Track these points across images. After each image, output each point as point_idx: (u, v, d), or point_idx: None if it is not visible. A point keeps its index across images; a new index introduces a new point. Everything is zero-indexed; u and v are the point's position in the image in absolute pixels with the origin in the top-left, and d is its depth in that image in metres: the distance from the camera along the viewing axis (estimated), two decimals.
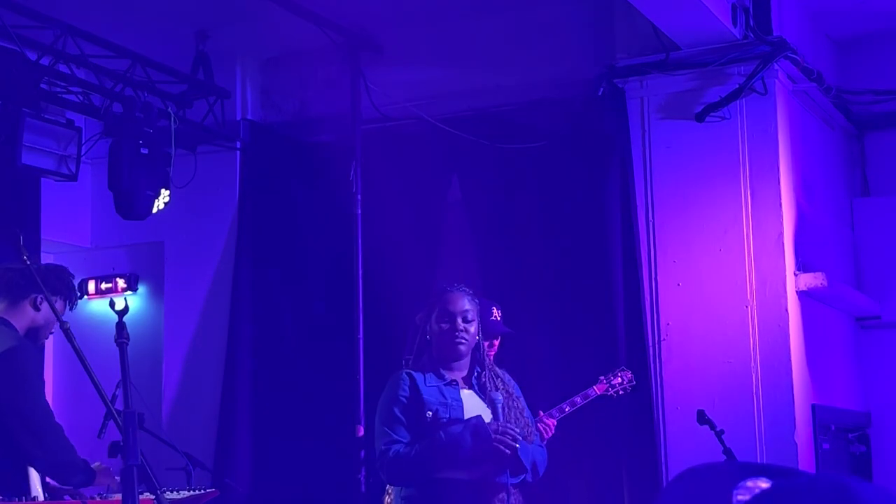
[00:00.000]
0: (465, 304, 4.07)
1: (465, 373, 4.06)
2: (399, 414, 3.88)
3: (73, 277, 4.55)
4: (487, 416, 4.01)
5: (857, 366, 7.18)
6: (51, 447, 4.12)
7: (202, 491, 4.43)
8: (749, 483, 1.14)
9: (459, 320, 4.03)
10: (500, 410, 4.02)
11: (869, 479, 7.01)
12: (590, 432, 6.27)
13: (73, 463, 4.18)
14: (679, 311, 6.29)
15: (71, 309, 4.48)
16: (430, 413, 3.88)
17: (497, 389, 4.11)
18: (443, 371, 4.00)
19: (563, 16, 6.84)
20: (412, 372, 3.96)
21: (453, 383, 4.02)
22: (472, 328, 4.06)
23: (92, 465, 4.28)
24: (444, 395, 3.95)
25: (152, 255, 7.65)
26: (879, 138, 7.44)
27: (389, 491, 4.24)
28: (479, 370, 4.10)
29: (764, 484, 1.12)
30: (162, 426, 6.79)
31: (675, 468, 6.08)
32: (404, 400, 3.92)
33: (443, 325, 4.02)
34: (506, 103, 6.91)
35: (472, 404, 4.01)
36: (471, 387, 4.06)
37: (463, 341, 4.02)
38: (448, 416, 3.90)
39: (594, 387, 5.23)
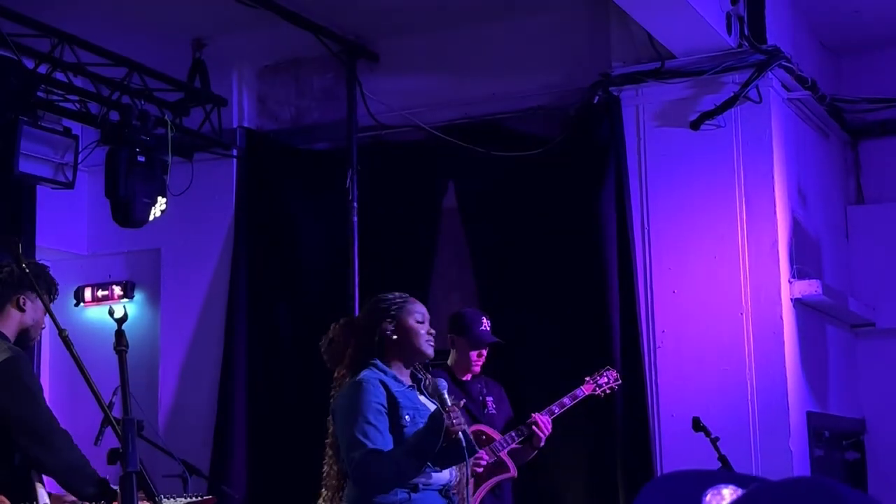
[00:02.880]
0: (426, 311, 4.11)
1: (409, 380, 4.04)
2: (374, 421, 3.81)
3: (49, 268, 4.52)
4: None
5: (851, 373, 7.20)
6: (60, 451, 4.10)
7: (199, 498, 4.43)
8: (718, 489, 1.17)
9: (427, 324, 4.05)
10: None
11: (863, 485, 7.03)
12: (585, 439, 6.28)
13: (81, 470, 4.12)
14: (674, 319, 6.31)
15: (52, 300, 4.46)
16: (408, 417, 3.86)
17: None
18: (398, 377, 3.98)
19: (558, 24, 6.87)
20: (380, 377, 3.90)
21: (411, 388, 4.00)
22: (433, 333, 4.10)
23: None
24: (411, 400, 3.93)
25: (149, 263, 7.65)
26: (873, 146, 7.47)
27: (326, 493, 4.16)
28: (420, 376, 4.07)
29: (728, 490, 1.16)
30: (158, 433, 6.79)
31: None
32: (379, 406, 3.82)
33: (419, 326, 4.02)
34: (501, 111, 6.93)
35: (433, 408, 4.00)
36: (420, 392, 4.04)
37: (433, 343, 4.04)
38: (423, 420, 3.88)
39: (581, 387, 5.25)
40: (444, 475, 3.93)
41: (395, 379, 3.93)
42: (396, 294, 4.10)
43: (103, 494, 4.08)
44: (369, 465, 3.78)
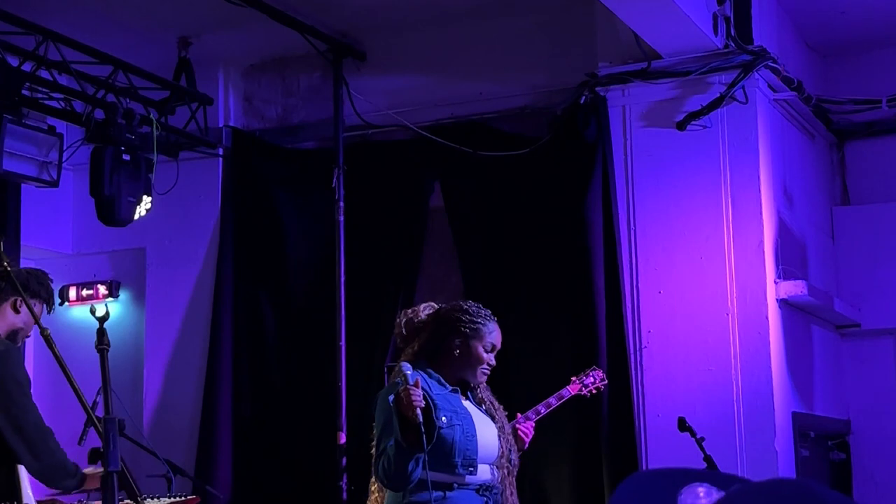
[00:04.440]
0: (501, 340, 4.15)
1: (458, 385, 4.08)
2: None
3: (52, 281, 4.55)
4: (491, 428, 4.04)
5: (836, 374, 7.22)
6: (41, 451, 4.12)
7: (183, 498, 4.43)
8: (694, 487, 1.17)
9: (494, 354, 4.11)
10: (498, 424, 4.06)
11: (849, 486, 7.04)
12: (571, 439, 6.29)
13: (62, 466, 4.18)
14: (660, 319, 6.31)
15: (49, 312, 4.49)
16: (445, 419, 3.88)
17: (492, 403, 4.15)
18: (443, 380, 4.01)
19: (545, 24, 6.87)
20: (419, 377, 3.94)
21: (455, 391, 4.04)
22: (494, 363, 4.15)
23: (84, 470, 4.26)
24: (451, 403, 3.95)
25: (134, 262, 7.63)
26: (859, 147, 7.49)
27: (374, 489, 4.19)
28: (472, 384, 4.13)
29: (702, 488, 1.16)
30: (143, 433, 6.77)
31: None
32: None
33: (483, 354, 4.07)
34: (488, 111, 6.93)
35: (476, 414, 4.03)
36: (466, 398, 4.08)
37: (488, 374, 4.11)
38: (461, 423, 3.91)
39: (567, 387, 5.24)
40: (483, 475, 3.94)
41: (439, 382, 3.98)
42: (482, 312, 4.15)
43: (80, 482, 4.17)
44: (378, 462, 3.86)
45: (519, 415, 5.09)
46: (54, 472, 4.18)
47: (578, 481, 6.34)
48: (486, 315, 4.13)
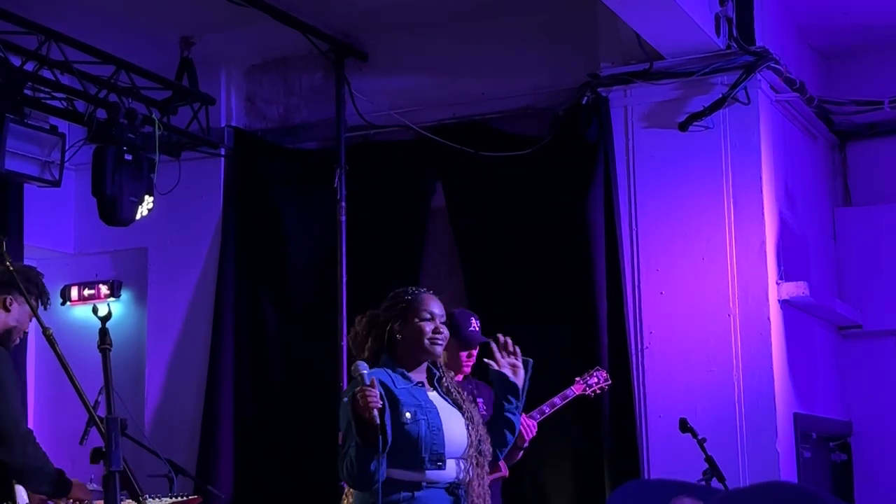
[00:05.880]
0: (441, 307, 4.07)
1: (423, 377, 4.03)
2: None
3: (43, 276, 4.51)
4: (458, 419, 3.97)
5: (838, 375, 7.22)
6: (20, 452, 4.09)
7: (185, 498, 4.43)
8: (680, 500, 1.17)
9: (438, 321, 4.02)
10: (466, 414, 3.99)
11: (850, 487, 7.04)
12: (573, 440, 6.29)
13: (40, 470, 4.14)
14: (662, 320, 6.31)
15: (45, 308, 4.45)
16: (409, 414, 3.83)
17: (459, 394, 4.08)
18: (407, 373, 3.97)
19: (547, 25, 6.87)
20: (380, 375, 3.87)
21: (420, 385, 3.98)
22: (446, 332, 4.06)
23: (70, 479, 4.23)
24: (415, 397, 3.90)
25: (136, 262, 7.63)
26: (861, 148, 7.49)
27: (347, 493, 4.18)
28: (437, 374, 4.07)
29: (689, 501, 1.17)
30: (144, 433, 6.78)
31: (657, 476, 6.10)
32: None
33: (424, 324, 3.99)
34: (490, 111, 6.93)
35: (443, 406, 3.97)
36: (433, 389, 4.03)
37: (441, 342, 4.01)
38: (425, 417, 3.86)
39: (572, 387, 5.25)
40: (450, 472, 3.89)
41: (403, 376, 3.92)
42: (410, 290, 4.05)
43: (59, 488, 4.11)
44: (341, 462, 3.79)
45: (523, 414, 5.09)
46: (27, 475, 4.15)
47: (580, 481, 6.34)
48: (411, 291, 4.04)
